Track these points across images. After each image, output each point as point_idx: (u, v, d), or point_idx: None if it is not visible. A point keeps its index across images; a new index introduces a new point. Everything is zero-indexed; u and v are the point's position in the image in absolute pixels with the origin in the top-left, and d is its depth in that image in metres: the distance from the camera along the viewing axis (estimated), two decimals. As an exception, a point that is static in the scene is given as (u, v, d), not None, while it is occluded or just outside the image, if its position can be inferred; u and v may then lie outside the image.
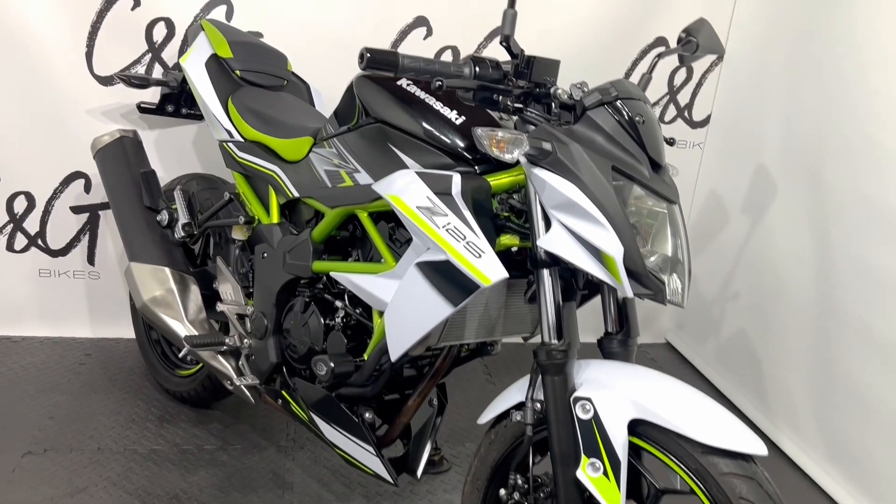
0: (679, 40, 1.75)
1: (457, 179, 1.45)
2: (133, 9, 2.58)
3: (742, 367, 2.86)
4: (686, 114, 3.10)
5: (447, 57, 2.82)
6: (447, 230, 1.41)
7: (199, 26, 2.38)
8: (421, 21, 2.77)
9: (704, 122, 3.13)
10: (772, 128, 2.74)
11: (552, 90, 1.40)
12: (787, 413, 2.62)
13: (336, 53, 2.73)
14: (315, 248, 1.86)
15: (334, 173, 1.81)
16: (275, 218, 2.02)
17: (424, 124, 1.60)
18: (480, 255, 1.37)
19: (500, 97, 1.41)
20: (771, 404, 2.70)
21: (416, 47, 2.78)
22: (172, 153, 2.77)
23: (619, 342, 1.46)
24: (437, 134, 1.58)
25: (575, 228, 1.34)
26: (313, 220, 1.99)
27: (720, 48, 1.81)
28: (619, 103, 1.39)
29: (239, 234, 2.13)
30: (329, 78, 2.68)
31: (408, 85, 1.67)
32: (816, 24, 2.54)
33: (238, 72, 2.24)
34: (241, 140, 2.10)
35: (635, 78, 2.99)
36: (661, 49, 1.65)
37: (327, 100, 2.50)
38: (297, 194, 1.93)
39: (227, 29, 2.38)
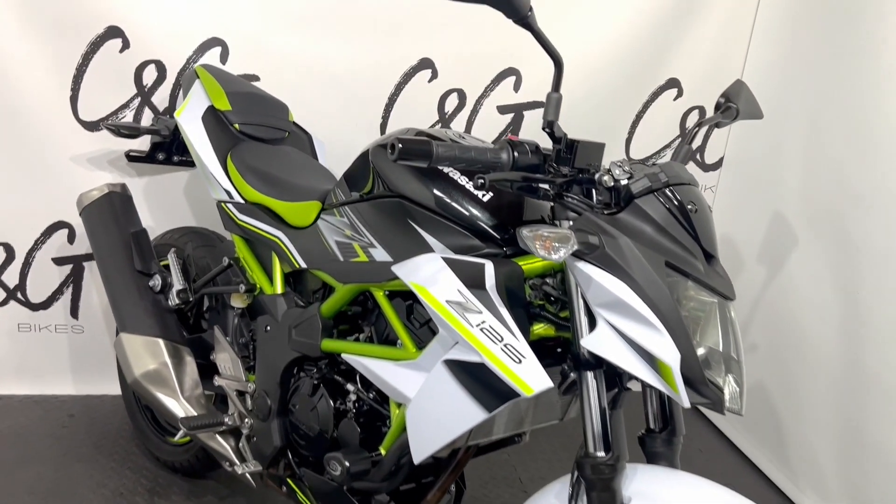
0: (718, 106, 1.64)
1: (490, 271, 1.32)
2: (122, 51, 2.43)
3: (762, 424, 2.75)
4: (699, 156, 3.00)
5: (453, 101, 2.70)
6: (482, 330, 1.27)
7: (193, 73, 2.24)
8: (426, 63, 2.64)
9: (717, 165, 3.02)
10: (790, 173, 2.63)
11: (597, 177, 1.28)
12: (810, 474, 2.51)
13: (337, 97, 2.60)
14: (324, 324, 1.71)
15: (346, 245, 1.67)
16: (279, 287, 1.87)
17: (449, 201, 1.47)
18: (521, 361, 1.24)
19: (541, 186, 1.28)
20: (793, 465, 2.59)
21: (422, 90, 2.65)
22: (164, 204, 2.61)
23: (663, 441, 1.34)
24: (463, 212, 1.45)
25: (624, 330, 1.22)
26: (321, 290, 1.84)
27: (759, 112, 1.71)
28: (669, 190, 1.27)
29: (238, 303, 1.98)
30: (331, 124, 2.56)
31: None
32: (840, 63, 2.44)
33: (237, 125, 2.09)
34: (242, 201, 1.96)
35: (658, 128, 2.88)
36: (701, 120, 1.53)
37: (330, 150, 2.37)
38: (304, 265, 1.78)
39: (224, 76, 2.23)
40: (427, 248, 1.47)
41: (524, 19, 1.17)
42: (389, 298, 1.59)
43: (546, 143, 1.34)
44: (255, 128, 2.12)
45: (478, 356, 1.27)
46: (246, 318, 2.04)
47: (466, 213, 1.45)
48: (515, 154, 1.26)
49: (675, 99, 2.87)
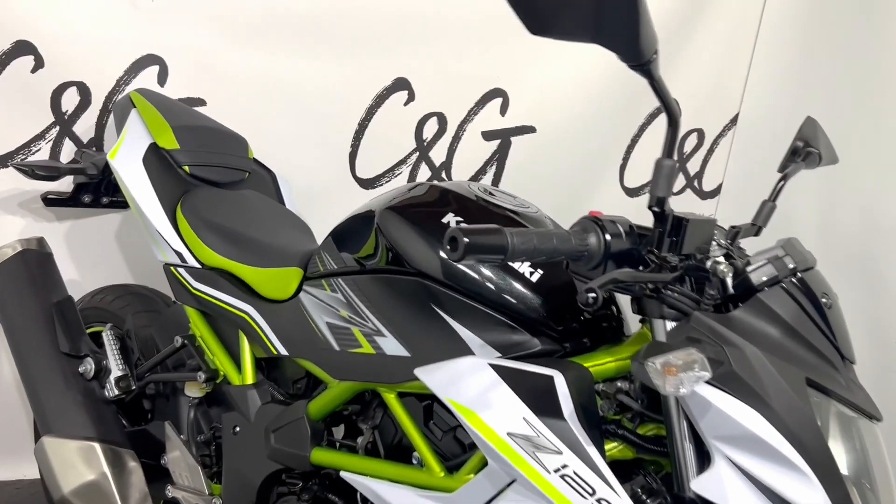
0: (796, 151, 1.34)
1: (563, 387, 0.99)
2: (34, 70, 1.99)
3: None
4: (696, 183, 2.74)
5: (432, 126, 2.35)
6: (564, 478, 0.94)
7: (128, 100, 1.82)
8: (401, 83, 2.29)
9: (715, 192, 2.77)
10: (801, 203, 2.39)
11: (709, 265, 0.96)
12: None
13: (299, 124, 2.23)
14: (314, 429, 1.35)
15: (343, 331, 1.31)
16: (249, 376, 1.49)
17: (488, 283, 1.13)
18: None
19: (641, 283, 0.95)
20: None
21: (397, 114, 2.30)
22: (92, 256, 2.16)
23: None
24: (509, 298, 1.12)
25: (755, 472, 0.91)
26: (305, 379, 1.48)
27: (835, 155, 1.44)
28: (795, 279, 0.98)
29: (195, 392, 1.59)
30: (290, 156, 2.18)
31: (458, 223, 1.19)
32: (858, 79, 2.21)
33: (187, 167, 1.69)
34: (198, 266, 1.57)
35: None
36: (785, 171, 1.24)
37: (297, 189, 1.99)
38: (283, 352, 1.41)
39: (167, 104, 1.83)
40: (459, 344, 1.13)
41: (645, 65, 0.85)
42: (400, 397, 1.24)
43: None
44: (210, 170, 1.72)
45: (555, 511, 0.94)
46: (204, 408, 1.65)
47: (512, 299, 1.12)
48: (607, 237, 0.93)
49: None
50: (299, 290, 1.42)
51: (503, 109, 2.40)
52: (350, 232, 1.35)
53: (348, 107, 2.27)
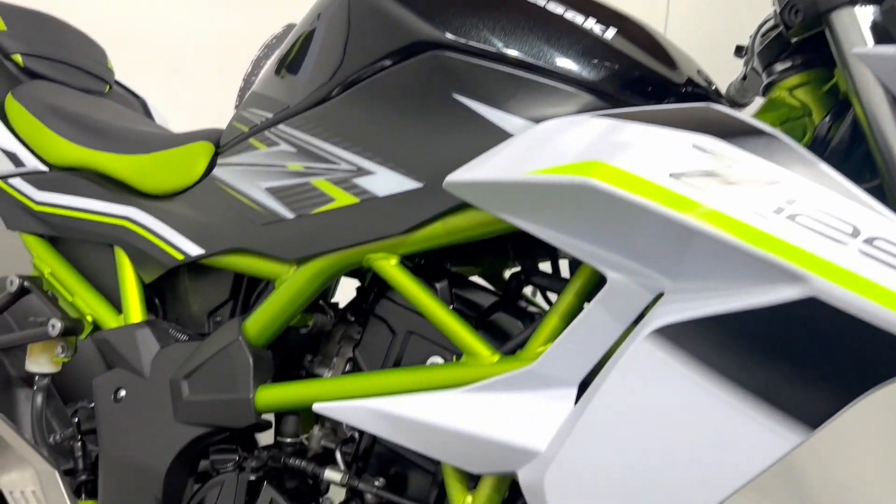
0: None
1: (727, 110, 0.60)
2: None
3: None
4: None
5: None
6: (794, 220, 0.53)
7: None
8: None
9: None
10: None
11: None
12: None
13: (169, 77, 1.77)
14: (256, 356, 0.85)
15: (296, 189, 0.84)
16: (135, 314, 0.96)
17: (546, 45, 0.73)
18: None
19: None
20: None
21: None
22: None
23: None
24: (573, 60, 0.72)
25: None
26: (228, 305, 0.97)
27: None
28: None
29: (44, 365, 1.02)
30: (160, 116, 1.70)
31: None
32: None
33: (19, 57, 1.17)
34: (44, 169, 1.04)
35: None
36: None
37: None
38: (196, 251, 0.91)
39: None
40: (498, 137, 0.71)
41: None
42: (405, 267, 0.80)
43: None
44: (55, 66, 1.21)
45: (798, 284, 0.51)
46: (56, 400, 1.08)
47: (579, 61, 0.73)
48: None
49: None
50: (210, 168, 0.95)
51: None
52: (286, 65, 0.92)
53: (231, 60, 1.82)
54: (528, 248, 0.89)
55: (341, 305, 0.94)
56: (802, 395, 0.53)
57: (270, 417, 0.89)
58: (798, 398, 0.53)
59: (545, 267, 0.89)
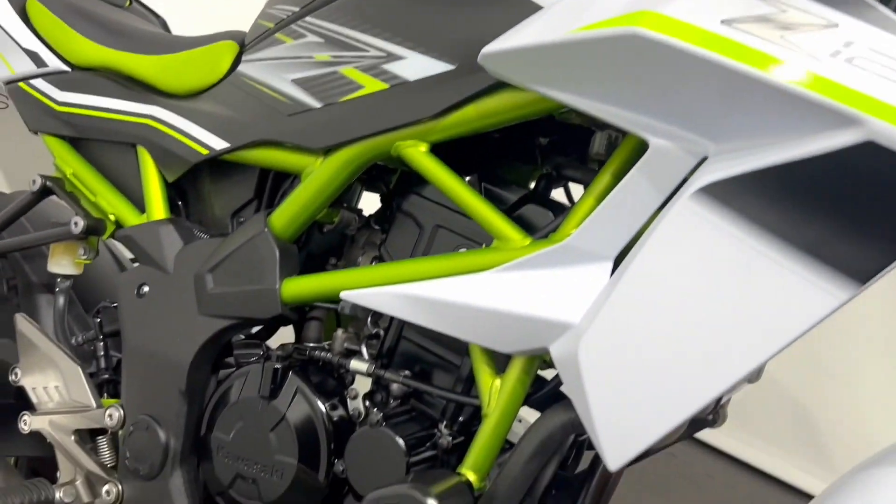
0: None
1: None
2: None
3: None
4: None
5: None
6: (852, 63, 0.51)
7: None
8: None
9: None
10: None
11: None
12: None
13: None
14: (283, 249, 0.84)
15: (324, 79, 0.82)
16: (158, 211, 0.95)
17: None
18: None
19: None
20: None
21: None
22: None
23: None
24: None
25: None
26: (252, 204, 0.96)
27: None
28: None
29: (66, 266, 1.01)
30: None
31: None
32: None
33: (38, -40, 1.16)
34: (66, 69, 1.03)
35: None
36: None
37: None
38: (221, 145, 0.90)
39: None
40: (533, 11, 0.69)
41: None
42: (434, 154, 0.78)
43: None
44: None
45: (854, 127, 0.50)
46: (77, 307, 1.08)
47: None
48: None
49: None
50: (235, 66, 0.93)
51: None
52: None
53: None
54: (556, 153, 0.87)
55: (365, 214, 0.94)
56: (854, 248, 0.52)
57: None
58: (849, 252, 0.52)
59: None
